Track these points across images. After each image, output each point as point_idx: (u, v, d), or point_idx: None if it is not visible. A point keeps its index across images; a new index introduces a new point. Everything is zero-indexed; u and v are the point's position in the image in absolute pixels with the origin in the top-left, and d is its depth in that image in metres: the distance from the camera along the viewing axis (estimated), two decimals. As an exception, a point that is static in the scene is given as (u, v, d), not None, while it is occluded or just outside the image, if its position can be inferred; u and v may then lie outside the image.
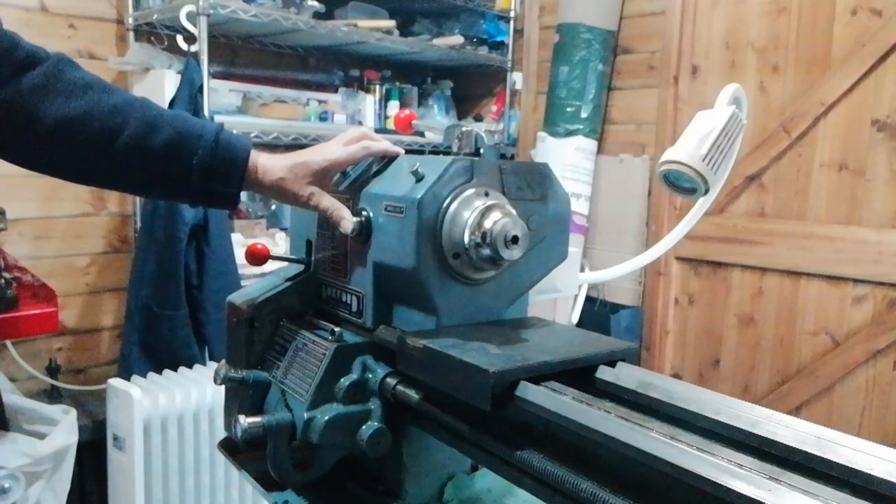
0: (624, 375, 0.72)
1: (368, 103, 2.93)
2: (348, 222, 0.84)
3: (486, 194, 0.81)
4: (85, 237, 2.47)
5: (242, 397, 0.88)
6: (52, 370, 2.34)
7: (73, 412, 1.94)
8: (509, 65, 3.14)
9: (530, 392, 0.68)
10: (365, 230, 0.84)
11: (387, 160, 0.90)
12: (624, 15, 2.74)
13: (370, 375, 0.82)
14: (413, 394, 0.79)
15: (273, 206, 2.75)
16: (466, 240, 0.78)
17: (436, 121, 3.08)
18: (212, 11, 2.16)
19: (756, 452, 0.56)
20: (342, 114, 2.86)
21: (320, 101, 2.86)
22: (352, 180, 0.92)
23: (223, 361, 0.94)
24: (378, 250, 0.83)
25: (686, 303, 2.63)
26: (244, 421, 0.79)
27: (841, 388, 2.24)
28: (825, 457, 0.53)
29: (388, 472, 0.87)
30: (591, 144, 2.77)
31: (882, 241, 2.13)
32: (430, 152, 2.69)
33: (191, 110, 2.09)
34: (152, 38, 2.40)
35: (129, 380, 2.03)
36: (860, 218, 2.19)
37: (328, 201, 0.87)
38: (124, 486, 1.94)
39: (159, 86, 2.21)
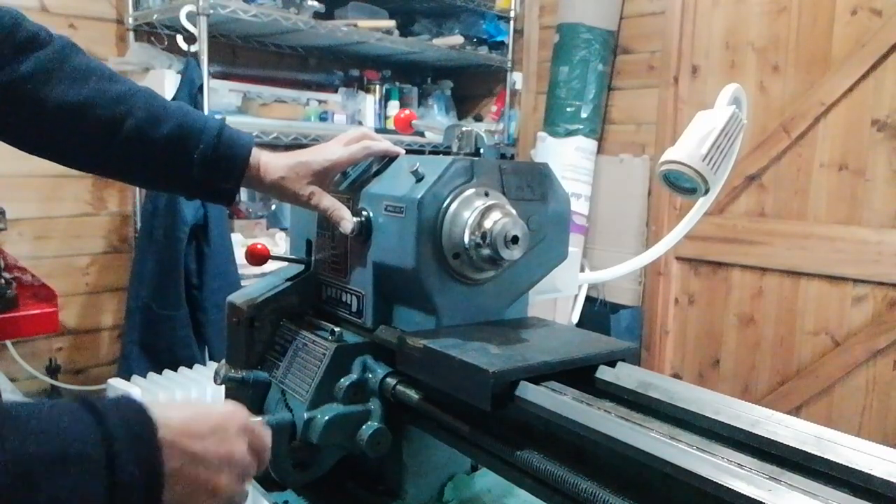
0: (624, 375, 0.72)
1: (368, 103, 2.93)
2: (348, 222, 0.84)
3: (486, 194, 0.81)
4: (85, 237, 2.47)
5: (242, 397, 0.88)
6: (52, 370, 2.34)
7: (73, 412, 1.94)
8: (509, 65, 3.14)
9: (530, 392, 0.68)
10: (365, 230, 0.84)
11: (387, 160, 0.90)
12: (624, 15, 2.74)
13: (370, 375, 0.82)
14: (413, 394, 0.79)
15: (273, 206, 2.75)
16: (466, 240, 0.78)
17: (436, 121, 3.08)
18: (212, 11, 2.16)
19: (756, 452, 0.56)
20: (342, 114, 2.86)
21: (320, 101, 2.86)
22: (352, 180, 0.92)
23: (223, 361, 0.94)
24: (378, 250, 0.83)
25: (686, 303, 2.63)
26: (244, 421, 0.79)
27: (841, 388, 2.24)
28: (825, 457, 0.53)
29: (388, 472, 0.87)
30: (591, 144, 2.76)
31: (882, 241, 2.13)
32: (430, 152, 2.69)
33: (191, 110, 2.09)
34: (152, 38, 2.40)
35: (129, 380, 2.03)
36: (860, 218, 2.19)
37: (328, 201, 0.87)
38: (124, 486, 1.94)
39: (159, 86, 2.21)
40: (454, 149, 0.88)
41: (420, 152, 0.94)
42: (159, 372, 2.10)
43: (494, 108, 3.26)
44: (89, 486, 0.46)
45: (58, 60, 0.81)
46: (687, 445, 0.57)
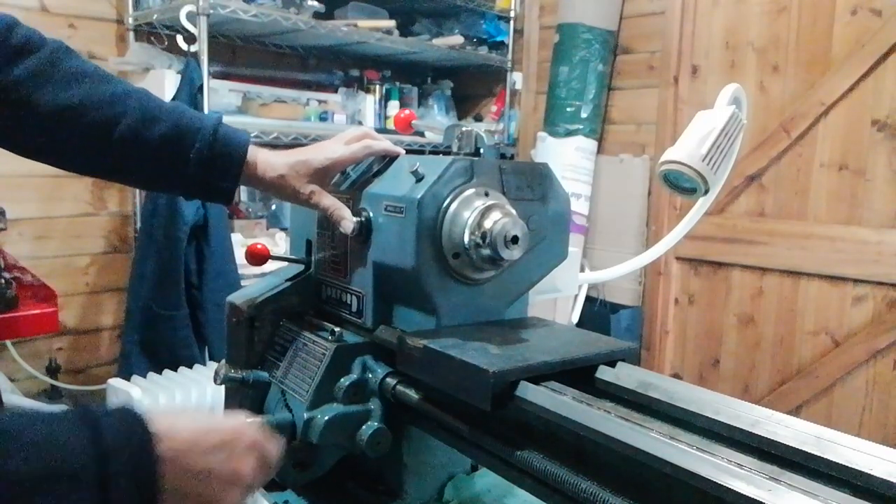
0: (624, 375, 0.72)
1: (368, 103, 2.93)
2: (348, 222, 0.84)
3: (486, 194, 0.81)
4: (85, 237, 2.47)
5: (242, 397, 0.88)
6: (52, 370, 2.34)
7: (73, 412, 1.94)
8: (509, 65, 3.14)
9: (530, 392, 0.68)
10: (365, 230, 0.84)
11: (387, 160, 0.90)
12: (624, 15, 2.74)
13: (370, 375, 0.82)
14: (413, 394, 0.79)
15: (273, 206, 2.75)
16: (466, 240, 0.78)
17: (436, 121, 3.08)
18: (212, 11, 2.16)
19: (756, 452, 0.56)
20: (342, 114, 2.86)
21: (320, 101, 2.86)
22: (352, 180, 0.92)
23: (223, 361, 0.94)
24: (378, 250, 0.83)
25: (686, 303, 2.63)
26: (244, 421, 0.79)
27: (841, 388, 2.24)
28: (825, 457, 0.53)
29: (388, 472, 0.87)
30: (591, 144, 2.76)
31: (882, 241, 2.13)
32: (430, 152, 2.69)
33: (191, 110, 2.09)
34: (152, 38, 2.40)
35: (129, 380, 2.03)
36: (860, 218, 2.19)
37: (329, 200, 0.87)
38: (124, 486, 1.94)
39: (159, 86, 2.21)
40: (454, 149, 0.88)
41: (420, 152, 0.94)
42: (159, 372, 2.10)
43: (494, 108, 3.26)
44: (82, 498, 0.44)
45: (50, 63, 0.81)
46: (687, 445, 0.57)
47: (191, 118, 0.87)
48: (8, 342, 2.23)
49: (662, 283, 2.65)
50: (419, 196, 0.78)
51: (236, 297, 0.94)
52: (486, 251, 0.78)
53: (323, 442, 0.79)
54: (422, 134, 2.82)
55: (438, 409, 0.76)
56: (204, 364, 2.19)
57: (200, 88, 2.13)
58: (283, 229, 2.61)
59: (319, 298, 0.95)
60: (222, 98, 2.49)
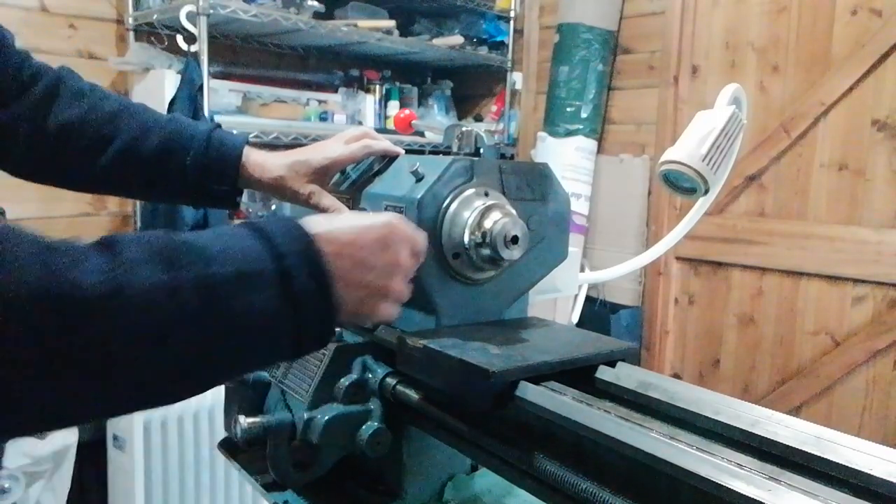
0: (624, 375, 0.72)
1: (368, 103, 2.92)
2: (349, 222, 0.84)
3: (486, 194, 0.81)
4: (85, 237, 2.46)
5: (242, 397, 0.88)
6: (52, 370, 2.34)
7: (73, 412, 1.94)
8: (509, 65, 3.14)
9: (530, 392, 0.68)
10: (365, 230, 0.84)
11: (387, 160, 0.90)
12: (624, 15, 2.74)
13: (370, 375, 0.82)
14: (413, 394, 0.79)
15: (273, 206, 2.75)
16: (466, 240, 0.78)
17: (436, 121, 3.08)
18: (212, 11, 2.16)
19: (756, 452, 0.56)
20: (342, 114, 2.86)
21: (320, 101, 2.86)
22: (352, 180, 0.92)
23: (223, 361, 0.94)
24: (378, 250, 0.83)
25: (686, 303, 2.63)
26: (244, 421, 0.79)
27: (841, 388, 2.24)
28: (825, 457, 0.53)
29: (388, 472, 0.87)
30: (591, 144, 2.76)
31: (882, 241, 2.13)
32: (430, 152, 2.68)
33: (191, 110, 2.09)
34: (152, 38, 2.40)
35: (129, 380, 2.02)
36: (860, 218, 2.19)
37: (328, 200, 0.87)
38: (124, 486, 1.94)
39: (159, 86, 2.21)
40: (454, 149, 0.88)
41: (420, 152, 0.95)
42: (159, 372, 2.10)
43: (494, 108, 3.26)
44: (268, 300, 0.49)
45: (55, 86, 0.85)
46: (687, 445, 0.57)
47: (185, 127, 0.89)
48: (8, 342, 2.23)
49: (662, 283, 2.65)
50: (419, 196, 0.78)
51: (236, 297, 0.94)
52: (486, 251, 0.78)
53: (323, 442, 0.79)
54: (422, 134, 2.82)
55: (438, 409, 0.76)
56: (204, 364, 2.18)
57: (200, 88, 2.13)
58: (283, 229, 2.61)
59: (319, 298, 0.95)
60: (222, 98, 2.49)
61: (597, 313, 2.78)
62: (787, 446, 0.55)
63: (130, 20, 2.40)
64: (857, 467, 0.51)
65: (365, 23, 2.66)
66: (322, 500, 0.87)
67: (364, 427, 0.80)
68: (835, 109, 2.22)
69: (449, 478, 0.88)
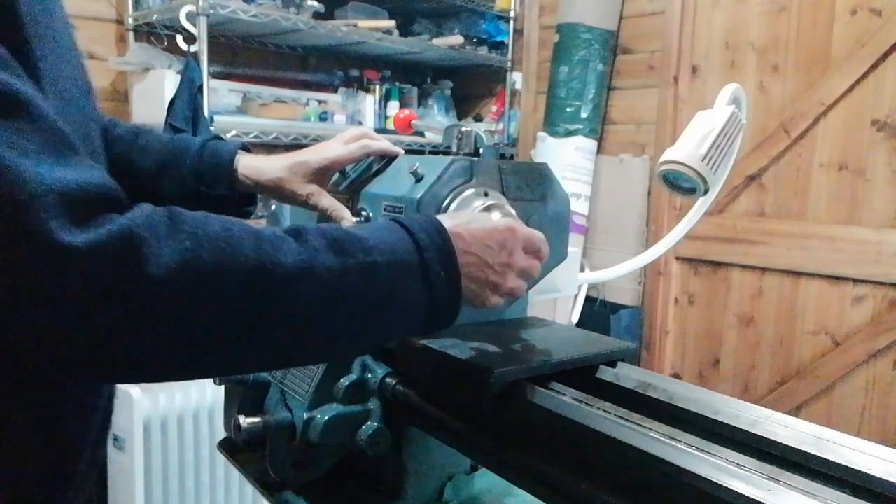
0: (624, 375, 0.72)
1: (368, 103, 2.92)
2: (348, 222, 0.84)
3: (486, 194, 0.81)
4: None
5: (242, 397, 0.88)
6: (52, 370, 2.34)
7: (73, 412, 1.94)
8: (509, 65, 3.14)
9: (530, 392, 0.68)
10: (365, 230, 0.84)
11: (386, 160, 0.90)
12: (624, 15, 2.74)
13: (370, 375, 0.82)
14: (413, 394, 0.79)
15: (273, 206, 2.75)
16: (466, 240, 0.78)
17: (436, 121, 3.08)
18: (211, 11, 2.16)
19: (756, 452, 0.56)
20: (342, 114, 2.86)
21: (320, 101, 2.86)
22: (351, 180, 0.92)
23: (223, 361, 0.94)
24: (378, 250, 0.83)
25: (686, 303, 2.63)
26: (244, 421, 0.79)
27: (841, 388, 2.24)
28: (825, 457, 0.53)
29: (388, 472, 0.87)
30: (591, 144, 2.76)
31: (882, 241, 2.13)
32: (430, 152, 2.68)
33: (190, 110, 2.09)
34: (152, 38, 2.40)
35: (129, 380, 2.02)
36: (860, 218, 2.19)
37: (327, 200, 0.87)
38: (124, 486, 1.94)
39: (159, 86, 2.21)
40: (454, 149, 0.88)
41: (420, 152, 0.95)
42: (159, 372, 2.10)
43: (494, 108, 3.26)
44: (413, 284, 0.60)
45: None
46: (686, 446, 0.57)
47: (182, 140, 0.93)
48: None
49: (662, 283, 2.65)
50: (419, 196, 0.78)
51: (236, 298, 0.94)
52: (485, 251, 0.77)
53: (323, 442, 0.79)
54: (422, 134, 2.82)
55: (438, 409, 0.76)
56: (204, 364, 2.18)
57: (200, 88, 2.13)
58: (283, 229, 2.61)
59: (319, 298, 0.95)
60: (222, 98, 2.49)
61: (597, 313, 2.78)
62: (787, 446, 0.55)
63: (130, 20, 2.40)
64: (856, 467, 0.51)
65: (365, 23, 2.66)
66: (322, 500, 0.87)
67: (364, 427, 0.80)
68: (835, 109, 2.22)
69: (449, 478, 0.88)
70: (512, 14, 3.11)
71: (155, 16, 2.29)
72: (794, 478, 0.52)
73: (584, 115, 2.73)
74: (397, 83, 3.12)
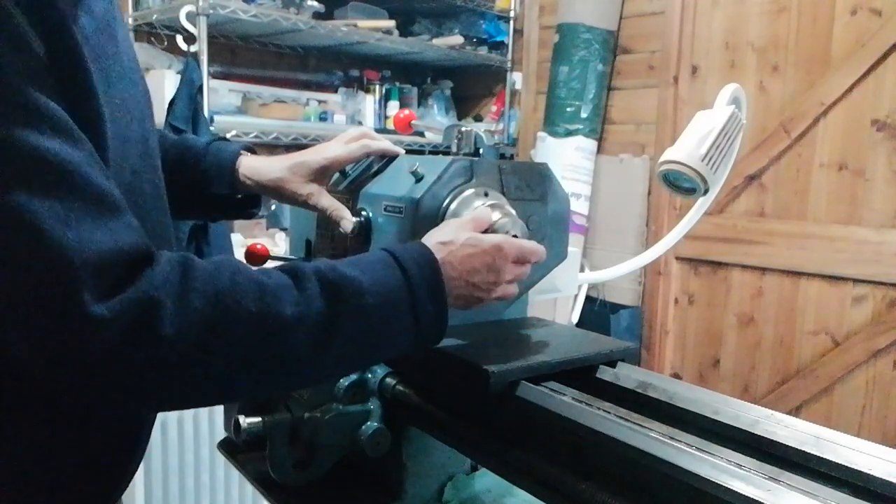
0: (624, 375, 0.72)
1: (368, 103, 2.92)
2: (348, 221, 0.84)
3: (486, 194, 0.81)
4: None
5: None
6: (52, 370, 2.34)
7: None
8: (509, 65, 3.14)
9: (530, 392, 0.68)
10: (364, 230, 0.84)
11: (386, 160, 0.90)
12: (624, 15, 2.74)
13: (370, 375, 0.82)
14: (413, 394, 0.79)
15: (273, 206, 2.75)
16: (466, 240, 0.78)
17: (435, 121, 3.08)
18: (211, 11, 2.16)
19: (756, 452, 0.56)
20: (342, 114, 2.86)
21: (320, 101, 2.86)
22: (351, 180, 0.92)
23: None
24: (378, 250, 0.83)
25: (686, 303, 2.63)
26: (244, 421, 0.79)
27: (841, 388, 2.24)
28: (825, 457, 0.53)
29: (388, 473, 0.87)
30: (591, 144, 2.76)
31: (882, 241, 2.13)
32: (430, 152, 2.68)
33: (190, 111, 2.09)
34: (152, 38, 2.40)
35: (129, 380, 2.02)
36: (860, 218, 2.19)
37: (327, 200, 0.87)
38: (124, 487, 1.94)
39: (159, 86, 2.21)
40: (454, 149, 0.88)
41: (420, 152, 0.95)
42: (159, 372, 2.10)
43: (494, 108, 3.26)
44: (402, 319, 0.65)
45: None
46: (686, 445, 0.57)
47: (186, 140, 0.94)
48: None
49: (662, 283, 2.65)
50: (419, 196, 0.78)
51: (236, 298, 0.94)
52: (485, 251, 0.77)
53: (323, 442, 0.79)
54: (422, 134, 2.82)
55: (438, 409, 0.76)
56: (204, 364, 2.18)
57: (200, 89, 2.13)
58: (283, 229, 2.61)
59: (319, 298, 0.95)
60: (222, 98, 2.49)
61: (597, 313, 2.78)
62: (787, 446, 0.55)
63: (130, 20, 2.40)
64: (856, 467, 0.51)
65: (365, 23, 2.66)
66: (322, 500, 0.87)
67: (364, 427, 0.80)
68: (834, 109, 2.22)
69: (449, 478, 0.88)
70: (512, 14, 3.11)
71: (155, 16, 2.29)
72: (794, 478, 0.52)
73: (584, 115, 2.73)
74: (397, 83, 3.12)
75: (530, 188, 0.86)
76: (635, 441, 0.57)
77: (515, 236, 0.77)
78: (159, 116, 2.12)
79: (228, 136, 2.30)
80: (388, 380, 0.81)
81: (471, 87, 3.37)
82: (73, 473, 0.68)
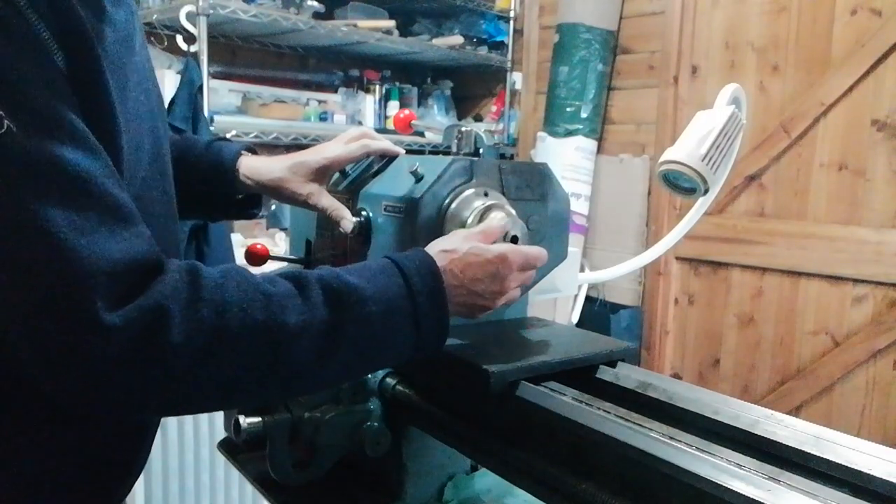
0: (624, 375, 0.72)
1: (368, 103, 2.92)
2: (348, 221, 0.84)
3: (486, 194, 0.81)
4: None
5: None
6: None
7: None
8: (509, 65, 3.14)
9: (530, 392, 0.68)
10: (364, 230, 0.84)
11: (386, 160, 0.90)
12: (624, 15, 2.74)
13: (370, 375, 0.82)
14: (413, 394, 0.79)
15: (273, 206, 2.75)
16: (466, 240, 0.78)
17: (435, 121, 3.08)
18: (211, 11, 2.16)
19: (756, 452, 0.56)
20: (342, 114, 2.86)
21: (320, 101, 2.85)
22: (351, 180, 0.92)
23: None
24: (378, 250, 0.83)
25: (686, 303, 2.63)
26: (244, 421, 0.79)
27: (841, 388, 2.24)
28: (825, 457, 0.53)
29: (388, 473, 0.87)
30: (591, 144, 2.76)
31: (882, 241, 2.13)
32: (430, 152, 2.68)
33: (190, 111, 2.09)
34: (152, 39, 2.40)
35: (129, 380, 2.02)
36: (860, 218, 2.19)
37: (327, 200, 0.87)
38: (124, 487, 1.94)
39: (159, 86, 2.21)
40: (454, 149, 0.88)
41: (420, 152, 0.95)
42: (159, 372, 2.10)
43: (494, 108, 3.26)
44: (404, 328, 0.66)
45: None
46: (686, 445, 0.57)
47: (187, 140, 0.94)
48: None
49: (662, 283, 2.65)
50: (419, 196, 0.78)
51: (236, 298, 0.94)
52: (485, 251, 0.77)
53: (323, 442, 0.79)
54: (422, 134, 2.82)
55: (438, 409, 0.76)
56: (204, 364, 2.18)
57: (200, 89, 2.13)
58: (283, 229, 2.61)
59: (319, 298, 0.95)
60: (222, 98, 2.49)
61: (597, 313, 2.78)
62: (787, 446, 0.55)
63: (130, 20, 2.40)
64: (856, 467, 0.51)
65: (365, 23, 2.66)
66: (322, 500, 0.87)
67: (364, 427, 0.80)
68: (834, 109, 2.22)
69: (449, 478, 0.88)
70: (512, 14, 3.11)
71: (155, 16, 2.29)
72: (794, 478, 0.52)
73: (584, 115, 2.73)
74: (397, 83, 3.11)
75: (530, 188, 0.86)
76: (635, 441, 0.57)
77: (515, 236, 0.77)
78: (159, 116, 2.12)
79: (228, 136, 2.30)
80: (388, 380, 0.81)
81: (471, 87, 3.37)
82: (75, 475, 0.69)
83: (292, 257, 0.99)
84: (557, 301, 2.65)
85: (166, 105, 2.10)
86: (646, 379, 0.70)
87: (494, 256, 0.72)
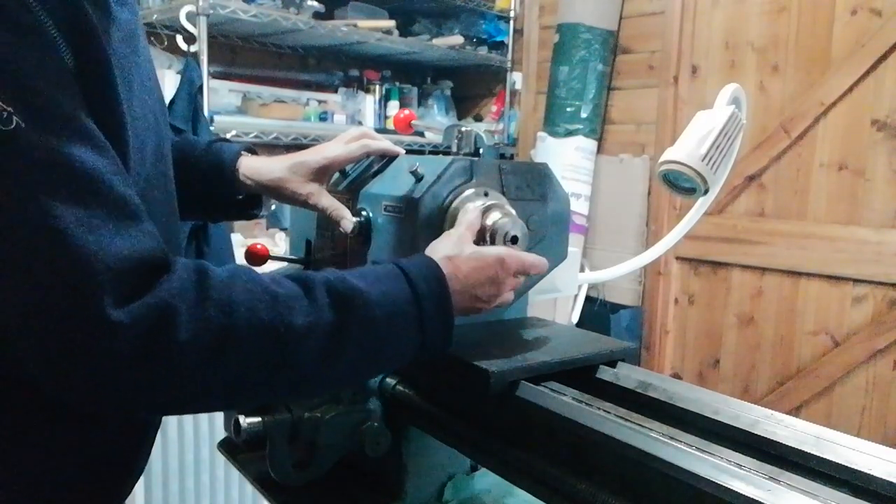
0: (624, 375, 0.72)
1: (368, 103, 2.92)
2: (348, 221, 0.84)
3: (486, 194, 0.81)
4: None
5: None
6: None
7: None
8: (509, 65, 3.14)
9: (530, 392, 0.68)
10: (364, 230, 0.84)
11: (386, 160, 0.90)
12: (624, 15, 2.74)
13: (370, 375, 0.82)
14: (413, 394, 0.79)
15: (273, 206, 2.75)
16: (466, 240, 0.78)
17: (435, 121, 3.08)
18: (211, 11, 2.16)
19: (755, 452, 0.56)
20: (342, 114, 2.86)
21: (320, 101, 2.85)
22: (351, 180, 0.92)
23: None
24: (378, 250, 0.83)
25: (686, 303, 2.63)
26: (244, 421, 0.79)
27: (841, 388, 2.24)
28: (825, 457, 0.53)
29: (388, 473, 0.87)
30: (591, 144, 2.76)
31: (882, 241, 2.13)
32: (430, 152, 2.68)
33: (190, 111, 2.09)
34: (152, 39, 2.40)
35: (129, 380, 2.02)
36: (860, 218, 2.19)
37: (327, 200, 0.87)
38: (124, 487, 1.94)
39: (159, 86, 2.21)
40: (454, 149, 0.88)
41: (420, 152, 0.95)
42: (159, 372, 2.10)
43: (494, 108, 3.26)
44: (409, 333, 0.66)
45: None
46: (686, 445, 0.57)
47: (187, 140, 0.95)
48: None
49: (662, 283, 2.65)
50: (419, 196, 0.78)
51: (236, 298, 0.94)
52: (485, 251, 0.77)
53: (323, 442, 0.79)
54: (422, 134, 2.82)
55: (438, 409, 0.76)
56: (204, 364, 2.18)
57: (200, 89, 2.13)
58: (283, 229, 2.61)
59: (319, 298, 0.95)
60: (222, 98, 2.49)
61: (597, 313, 2.78)
62: (787, 446, 0.55)
63: (130, 20, 2.40)
64: (856, 467, 0.51)
65: (365, 23, 2.66)
66: (322, 500, 0.87)
67: (364, 427, 0.80)
68: (834, 109, 2.22)
69: (449, 478, 0.88)
70: (512, 14, 3.11)
71: (155, 16, 2.29)
72: (794, 478, 0.52)
73: (584, 115, 2.73)
74: (397, 83, 3.11)
75: (530, 188, 0.86)
76: (635, 441, 0.57)
77: (515, 237, 0.77)
78: (159, 116, 2.12)
79: (228, 136, 2.30)
80: (388, 380, 0.81)
81: (471, 87, 3.37)
82: (75, 475, 0.69)
83: (292, 257, 0.99)
84: (557, 301, 2.65)
85: (167, 105, 2.10)
86: (646, 379, 0.71)
87: (494, 260, 0.73)
